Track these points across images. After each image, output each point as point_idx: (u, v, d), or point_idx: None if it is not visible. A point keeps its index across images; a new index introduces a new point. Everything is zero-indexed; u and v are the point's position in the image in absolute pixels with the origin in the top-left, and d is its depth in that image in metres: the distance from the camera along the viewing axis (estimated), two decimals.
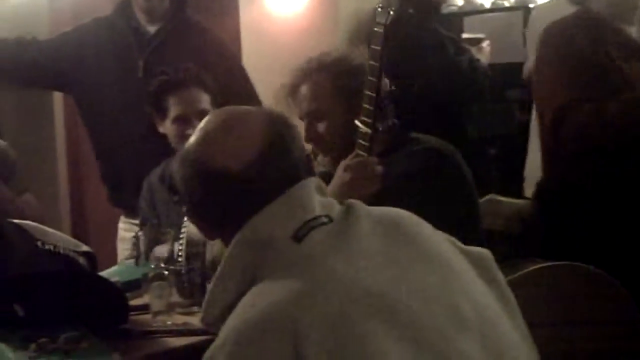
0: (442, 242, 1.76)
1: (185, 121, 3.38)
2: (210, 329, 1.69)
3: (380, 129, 2.62)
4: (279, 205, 1.65)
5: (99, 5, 4.60)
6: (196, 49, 3.87)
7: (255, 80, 4.06)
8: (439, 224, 1.81)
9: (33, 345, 2.40)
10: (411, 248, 1.68)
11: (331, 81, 2.84)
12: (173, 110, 3.42)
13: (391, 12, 2.55)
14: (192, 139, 1.75)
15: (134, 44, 3.92)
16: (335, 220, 1.67)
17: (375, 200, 2.20)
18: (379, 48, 2.57)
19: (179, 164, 1.76)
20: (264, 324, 1.52)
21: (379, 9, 2.58)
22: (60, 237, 2.80)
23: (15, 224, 2.75)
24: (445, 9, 5.29)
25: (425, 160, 2.80)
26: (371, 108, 2.59)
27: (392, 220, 1.73)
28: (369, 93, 2.59)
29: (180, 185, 1.75)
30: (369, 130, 2.61)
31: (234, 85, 3.83)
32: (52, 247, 2.70)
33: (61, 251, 2.71)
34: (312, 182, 1.72)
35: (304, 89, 2.87)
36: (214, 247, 2.81)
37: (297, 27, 4.77)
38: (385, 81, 2.71)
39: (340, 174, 2.61)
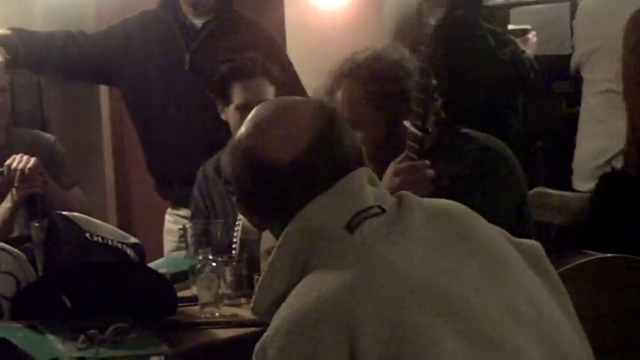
0: (495, 235, 1.73)
1: (248, 110, 3.36)
2: (261, 319, 1.68)
3: (431, 130, 2.59)
4: (332, 195, 1.64)
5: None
6: (244, 43, 3.85)
7: (300, 74, 4.06)
8: (491, 222, 1.78)
9: (82, 337, 2.41)
10: (465, 240, 1.67)
11: (361, 87, 2.74)
12: (237, 98, 3.41)
13: (440, 12, 2.52)
14: (243, 130, 1.74)
15: (180, 37, 3.93)
16: (388, 211, 1.65)
17: None
18: (428, 49, 2.54)
19: (229, 155, 1.75)
20: (316, 314, 1.51)
21: (427, 9, 2.55)
22: (108, 229, 2.81)
23: (64, 216, 2.77)
24: (490, 1, 5.27)
25: (479, 162, 2.76)
26: (421, 110, 2.55)
27: (445, 211, 1.72)
28: (418, 95, 2.56)
29: (231, 176, 1.75)
30: (419, 133, 2.57)
31: (284, 79, 3.83)
32: (100, 239, 2.72)
33: (110, 243, 2.72)
34: (364, 172, 1.70)
35: (339, 95, 2.79)
36: (266, 239, 2.80)
37: (342, 21, 4.75)
38: None
39: (389, 177, 2.58)
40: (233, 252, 3.02)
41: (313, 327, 1.50)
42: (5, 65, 3.68)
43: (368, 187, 1.67)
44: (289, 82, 3.89)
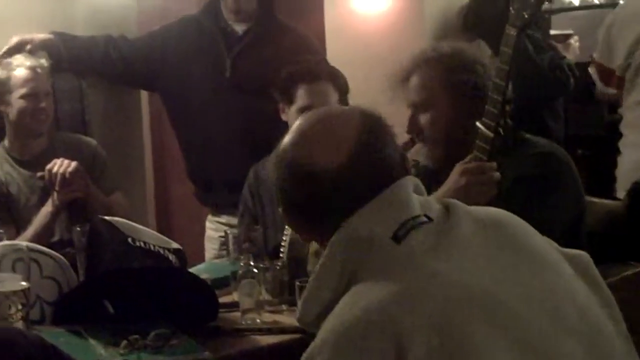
0: (544, 244, 1.71)
1: None
2: (307, 329, 1.67)
3: (502, 133, 2.57)
4: (378, 204, 1.62)
5: (186, 5, 4.64)
6: (285, 49, 3.86)
7: None
8: (550, 228, 1.76)
9: (124, 342, 2.42)
10: (513, 249, 1.64)
11: (442, 73, 2.75)
12: (300, 100, 3.39)
13: (526, 15, 2.50)
14: (287, 140, 1.72)
15: (221, 43, 3.93)
16: (435, 219, 1.63)
17: (488, 204, 2.11)
18: (510, 51, 2.51)
19: (274, 164, 1.74)
20: (364, 325, 1.49)
21: (512, 11, 2.53)
22: (150, 234, 2.82)
23: (107, 221, 2.77)
24: None
25: (542, 165, 2.73)
26: (496, 111, 2.53)
27: (493, 220, 1.70)
28: (495, 96, 2.53)
29: (276, 185, 1.74)
30: (490, 134, 2.55)
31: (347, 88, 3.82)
32: (142, 244, 2.72)
33: (152, 248, 2.72)
34: (411, 181, 1.68)
35: (414, 79, 2.79)
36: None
37: (382, 26, 4.73)
38: None
39: (455, 178, 2.56)
40: (281, 254, 3.02)
41: (361, 339, 1.48)
42: (49, 70, 3.70)
43: (414, 195, 1.66)
44: None
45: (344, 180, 1.64)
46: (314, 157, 1.66)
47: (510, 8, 2.54)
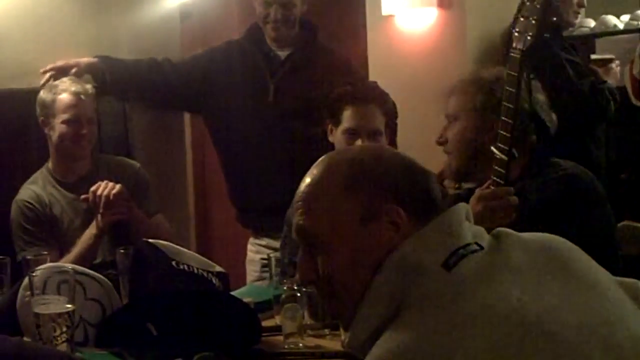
0: (597, 270, 1.69)
1: (355, 134, 3.37)
2: (354, 354, 1.66)
3: (517, 155, 2.58)
4: (430, 231, 1.61)
5: (229, 28, 4.67)
6: (327, 73, 3.88)
7: None
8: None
9: None
10: (565, 276, 1.62)
11: (476, 91, 2.82)
12: (346, 122, 3.39)
13: (528, 38, 2.51)
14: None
15: (265, 68, 3.95)
16: (486, 248, 1.62)
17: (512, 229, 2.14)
18: (515, 74, 2.53)
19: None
20: (412, 355, 1.47)
21: (516, 34, 2.53)
22: (194, 257, 2.82)
23: (151, 243, 2.78)
24: (576, 31, 5.21)
25: (565, 188, 2.73)
26: (507, 135, 2.55)
27: (544, 246, 1.68)
28: (506, 119, 2.55)
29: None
30: (504, 157, 2.56)
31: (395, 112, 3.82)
32: (186, 267, 2.72)
33: (195, 271, 2.73)
34: (463, 208, 1.68)
35: (452, 95, 2.89)
36: None
37: (424, 47, 4.73)
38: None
39: (473, 204, 2.56)
40: None
41: None
42: (94, 95, 3.72)
43: (466, 223, 1.65)
44: None
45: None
46: None
47: (513, 31, 2.54)
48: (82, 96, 3.68)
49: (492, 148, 2.58)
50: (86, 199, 3.58)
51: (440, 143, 2.89)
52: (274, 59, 3.98)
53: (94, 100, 3.75)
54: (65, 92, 3.67)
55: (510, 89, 2.54)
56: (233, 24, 4.76)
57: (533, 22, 2.51)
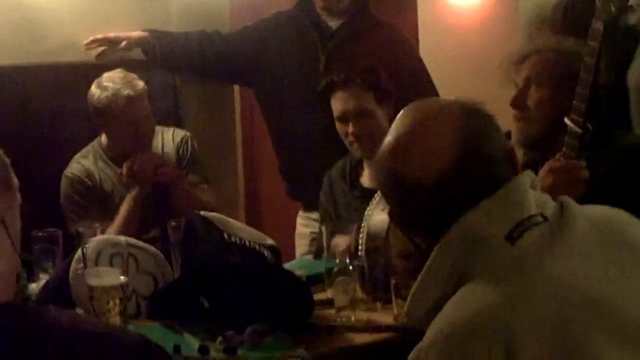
0: None
1: (346, 120, 3.36)
2: (415, 325, 1.63)
3: (592, 129, 2.54)
4: (494, 202, 1.57)
5: (278, 1, 4.63)
6: (379, 45, 3.84)
7: (434, 72, 4.01)
8: None
9: (219, 338, 2.42)
10: (631, 250, 1.59)
11: (561, 58, 2.77)
12: (334, 110, 3.41)
13: (613, 8, 2.46)
14: (386, 142, 1.65)
15: (316, 38, 3.92)
16: (550, 219, 1.58)
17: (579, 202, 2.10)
18: (597, 45, 2.48)
19: (375, 168, 1.68)
20: (474, 327, 1.45)
21: (599, 4, 2.49)
22: (246, 230, 2.82)
23: (202, 216, 2.78)
24: None
25: (630, 160, 2.69)
26: (583, 107, 2.51)
27: (609, 220, 1.65)
28: (582, 91, 2.51)
29: (379, 188, 1.71)
30: (579, 130, 2.52)
31: (415, 84, 3.79)
32: (238, 240, 2.72)
33: (247, 244, 2.72)
34: (528, 177, 1.63)
35: (532, 59, 2.81)
36: (396, 242, 2.77)
37: (476, 19, 4.67)
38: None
39: (542, 176, 2.54)
40: (360, 246, 3.00)
41: (470, 341, 1.44)
42: (145, 90, 3.67)
43: (530, 193, 1.60)
44: (422, 87, 3.85)
45: (446, 188, 1.58)
46: (411, 168, 1.59)
47: (597, 1, 2.49)
48: (135, 97, 3.61)
49: (566, 120, 2.55)
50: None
51: (517, 107, 2.81)
52: (325, 29, 3.93)
53: (146, 95, 3.69)
54: (117, 95, 3.59)
55: (590, 60, 2.50)
56: None
57: None
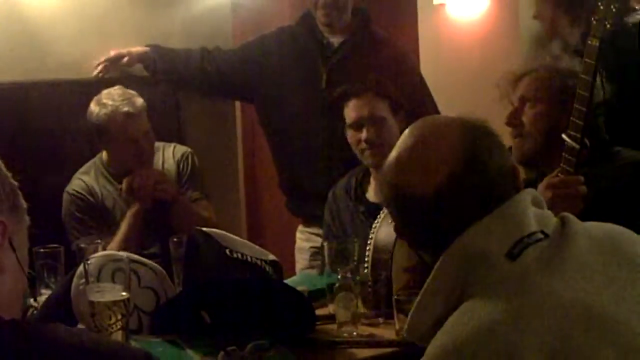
0: None
1: (359, 127, 3.37)
2: (416, 342, 1.64)
3: (589, 144, 2.55)
4: (494, 219, 1.58)
5: (281, 15, 4.65)
6: (380, 62, 3.87)
7: (434, 87, 4.02)
8: None
9: (221, 353, 2.41)
10: (631, 267, 1.60)
11: (556, 77, 2.82)
12: (347, 118, 3.42)
13: (607, 25, 2.47)
14: (390, 157, 1.70)
15: (317, 55, 3.94)
16: (551, 236, 1.59)
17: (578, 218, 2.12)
18: (593, 62, 2.49)
19: (380, 182, 1.73)
20: (475, 345, 1.45)
21: (594, 21, 2.50)
22: (247, 246, 2.81)
23: (204, 231, 2.78)
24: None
25: (629, 177, 2.70)
26: (580, 123, 2.53)
27: (610, 237, 1.65)
28: (579, 107, 2.52)
29: (383, 202, 1.73)
30: (576, 146, 2.54)
31: (416, 99, 3.80)
32: (240, 255, 2.72)
33: (249, 259, 2.72)
34: (529, 194, 1.64)
35: (527, 78, 2.86)
36: (400, 257, 2.77)
37: (476, 34, 4.69)
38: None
39: (541, 191, 2.55)
40: (365, 271, 3.01)
41: (472, 358, 1.45)
42: (144, 107, 3.67)
43: (531, 210, 1.61)
44: (422, 102, 3.86)
45: (445, 203, 1.60)
46: (411, 182, 1.63)
47: (592, 18, 2.50)
48: (133, 113, 3.62)
49: (564, 136, 2.57)
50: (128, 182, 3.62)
51: (513, 125, 2.84)
52: (326, 46, 3.96)
53: (145, 111, 3.68)
54: (116, 112, 3.59)
55: (586, 77, 2.51)
56: (284, 14, 4.75)
57: (614, 9, 2.47)
